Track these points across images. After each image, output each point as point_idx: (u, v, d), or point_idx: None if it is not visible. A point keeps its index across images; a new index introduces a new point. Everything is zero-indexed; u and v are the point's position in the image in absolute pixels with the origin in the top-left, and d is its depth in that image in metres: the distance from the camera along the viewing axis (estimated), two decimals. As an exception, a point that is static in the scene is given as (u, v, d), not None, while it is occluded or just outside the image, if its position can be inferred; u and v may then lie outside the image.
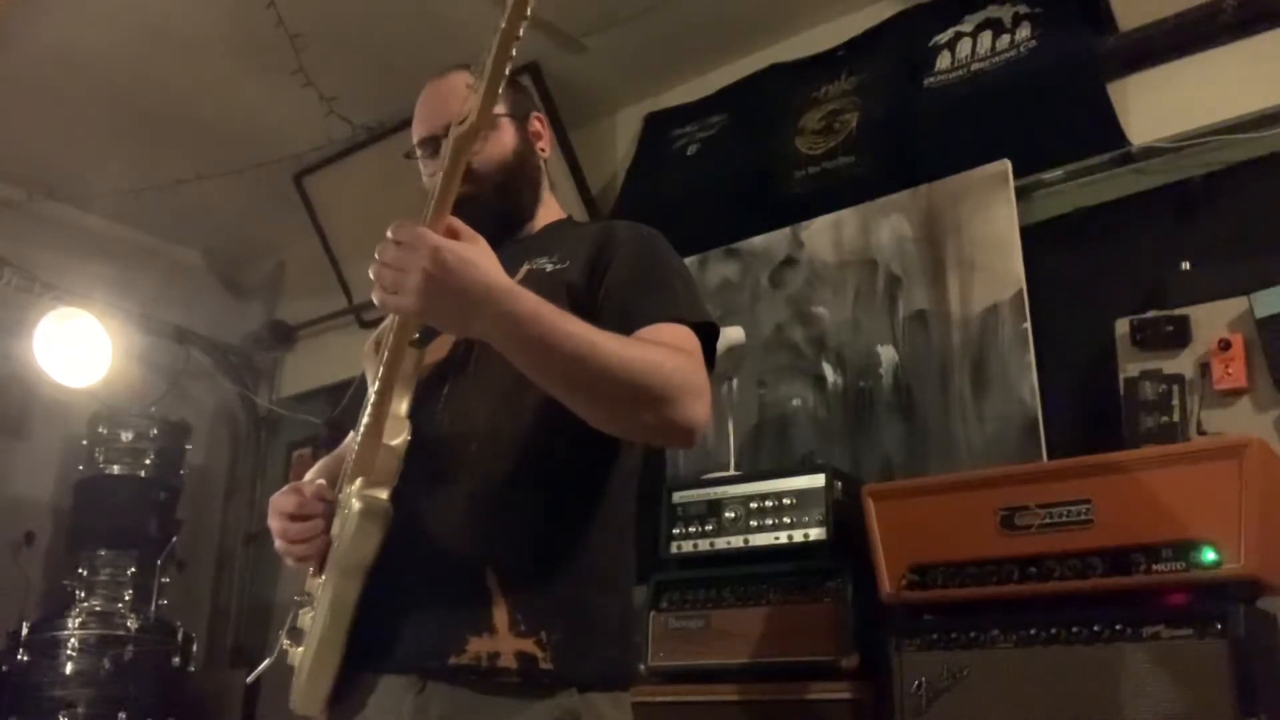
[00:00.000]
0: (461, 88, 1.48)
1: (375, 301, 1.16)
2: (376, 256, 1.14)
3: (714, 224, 3.23)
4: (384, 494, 1.28)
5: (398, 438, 1.29)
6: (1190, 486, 1.90)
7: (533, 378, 1.21)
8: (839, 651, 2.25)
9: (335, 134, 3.73)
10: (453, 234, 1.16)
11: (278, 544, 1.36)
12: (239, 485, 4.70)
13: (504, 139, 1.51)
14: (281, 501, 1.35)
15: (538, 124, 1.60)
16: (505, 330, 1.15)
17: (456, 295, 1.12)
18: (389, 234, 1.14)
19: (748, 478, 2.57)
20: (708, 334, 1.37)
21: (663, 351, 1.25)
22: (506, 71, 1.10)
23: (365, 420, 1.29)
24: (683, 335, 1.31)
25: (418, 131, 1.55)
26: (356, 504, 1.25)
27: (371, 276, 1.15)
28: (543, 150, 1.59)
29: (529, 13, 1.06)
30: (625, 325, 1.30)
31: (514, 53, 1.08)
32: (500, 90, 1.11)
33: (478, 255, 1.14)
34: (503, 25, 1.07)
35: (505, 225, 1.51)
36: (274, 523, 1.35)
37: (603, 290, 1.38)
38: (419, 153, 1.55)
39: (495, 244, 1.23)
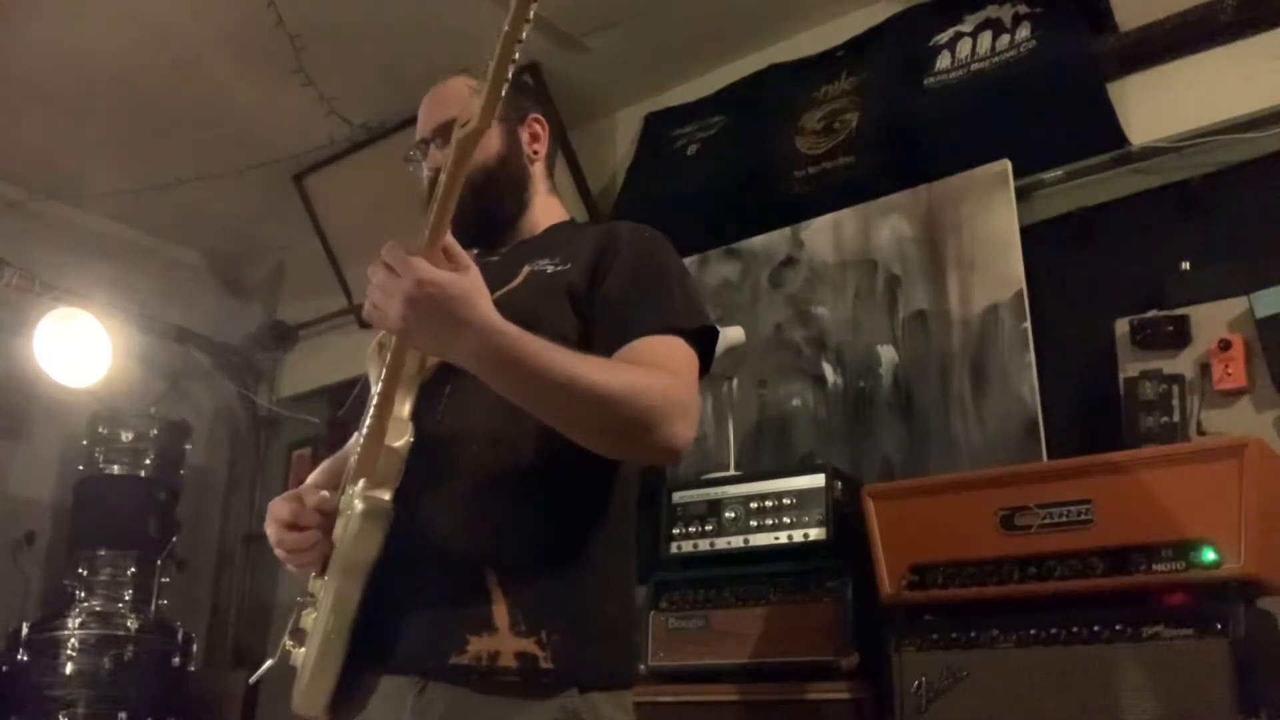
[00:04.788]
0: (460, 91, 1.49)
1: (364, 313, 1.21)
2: (368, 276, 1.19)
3: (714, 224, 3.23)
4: (386, 495, 1.28)
5: (400, 439, 1.30)
6: (1190, 486, 1.90)
7: (518, 404, 1.23)
8: (839, 651, 2.25)
9: (335, 134, 3.74)
10: (448, 255, 1.18)
11: (276, 551, 1.36)
12: (239, 485, 4.70)
13: (487, 143, 1.51)
14: (279, 509, 1.35)
15: (536, 126, 1.60)
16: (480, 363, 1.19)
17: (433, 327, 1.16)
18: (382, 253, 1.16)
19: (748, 478, 2.57)
20: (705, 338, 1.38)
21: (648, 375, 1.26)
22: (509, 75, 1.10)
23: (368, 422, 1.29)
24: (674, 350, 1.32)
25: (418, 135, 1.57)
26: (359, 505, 1.25)
27: (365, 292, 1.20)
28: (535, 153, 1.59)
29: (531, 15, 1.06)
30: (619, 336, 1.32)
31: (516, 56, 1.09)
32: (502, 93, 1.12)
33: (461, 288, 1.15)
34: (505, 28, 1.07)
35: (483, 228, 1.52)
36: (271, 530, 1.35)
37: (600, 296, 1.38)
38: (417, 155, 1.56)
39: (472, 245, 1.24)
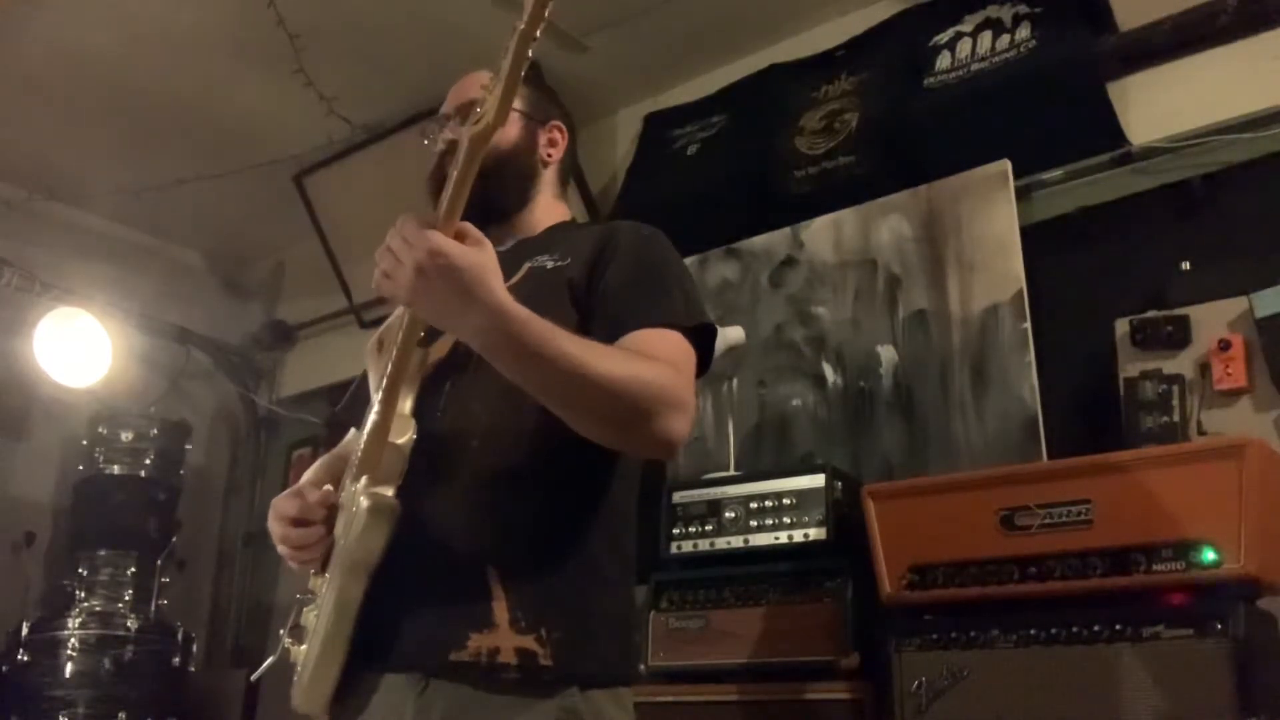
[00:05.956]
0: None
1: (373, 283, 1.21)
2: (386, 240, 1.19)
3: (714, 224, 3.22)
4: (390, 492, 1.28)
5: (403, 436, 1.30)
6: (1190, 486, 1.90)
7: (519, 385, 1.23)
8: (839, 651, 2.25)
9: (335, 134, 3.73)
10: (460, 236, 1.18)
11: (279, 548, 1.35)
12: (239, 485, 4.70)
13: (506, 133, 1.52)
14: (283, 505, 1.35)
15: (555, 132, 1.61)
16: (487, 339, 1.19)
17: (443, 297, 1.16)
18: (397, 224, 1.17)
19: (748, 478, 2.57)
20: (704, 336, 1.38)
21: (648, 365, 1.26)
22: (522, 73, 1.11)
23: (372, 419, 1.29)
24: (674, 343, 1.32)
25: (441, 111, 1.59)
26: (364, 501, 1.25)
27: (375, 258, 1.19)
28: (549, 156, 1.60)
29: (546, 14, 1.07)
30: (618, 330, 1.32)
31: (530, 55, 1.09)
32: (516, 91, 1.13)
33: (473, 262, 1.15)
34: (521, 27, 1.08)
35: (484, 212, 1.50)
36: (275, 527, 1.35)
37: (600, 291, 1.38)
38: (433, 130, 1.58)
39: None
